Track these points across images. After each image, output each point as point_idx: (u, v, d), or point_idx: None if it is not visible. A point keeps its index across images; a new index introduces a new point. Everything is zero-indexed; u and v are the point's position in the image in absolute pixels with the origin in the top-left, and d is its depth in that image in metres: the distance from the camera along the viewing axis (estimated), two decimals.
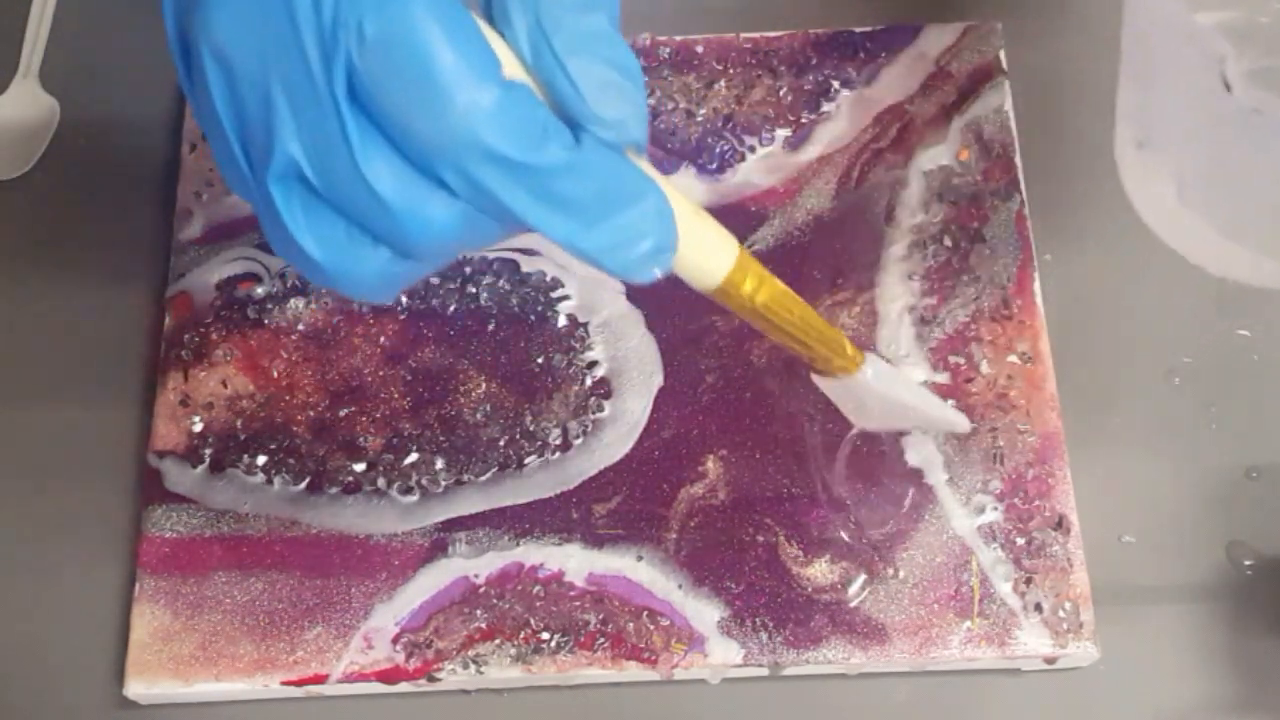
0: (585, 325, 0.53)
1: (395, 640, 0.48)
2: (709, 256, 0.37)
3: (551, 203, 0.31)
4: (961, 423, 0.49)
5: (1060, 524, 0.49)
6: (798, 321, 0.41)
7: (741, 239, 0.54)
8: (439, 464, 0.51)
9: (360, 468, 0.51)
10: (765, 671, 0.48)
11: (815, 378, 0.44)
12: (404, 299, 0.53)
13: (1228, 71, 0.36)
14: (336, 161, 0.31)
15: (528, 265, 0.54)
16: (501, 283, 0.54)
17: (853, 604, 0.48)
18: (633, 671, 0.48)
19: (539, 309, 0.53)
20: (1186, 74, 0.38)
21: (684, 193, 0.56)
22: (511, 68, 0.32)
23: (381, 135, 0.31)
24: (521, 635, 0.48)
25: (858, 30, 0.58)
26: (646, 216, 0.33)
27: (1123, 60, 0.44)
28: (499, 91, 0.30)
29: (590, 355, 0.53)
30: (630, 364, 0.53)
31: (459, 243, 0.33)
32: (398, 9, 0.30)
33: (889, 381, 0.45)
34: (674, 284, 0.53)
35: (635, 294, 0.54)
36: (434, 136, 0.30)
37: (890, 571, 0.49)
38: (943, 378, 0.52)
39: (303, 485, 0.51)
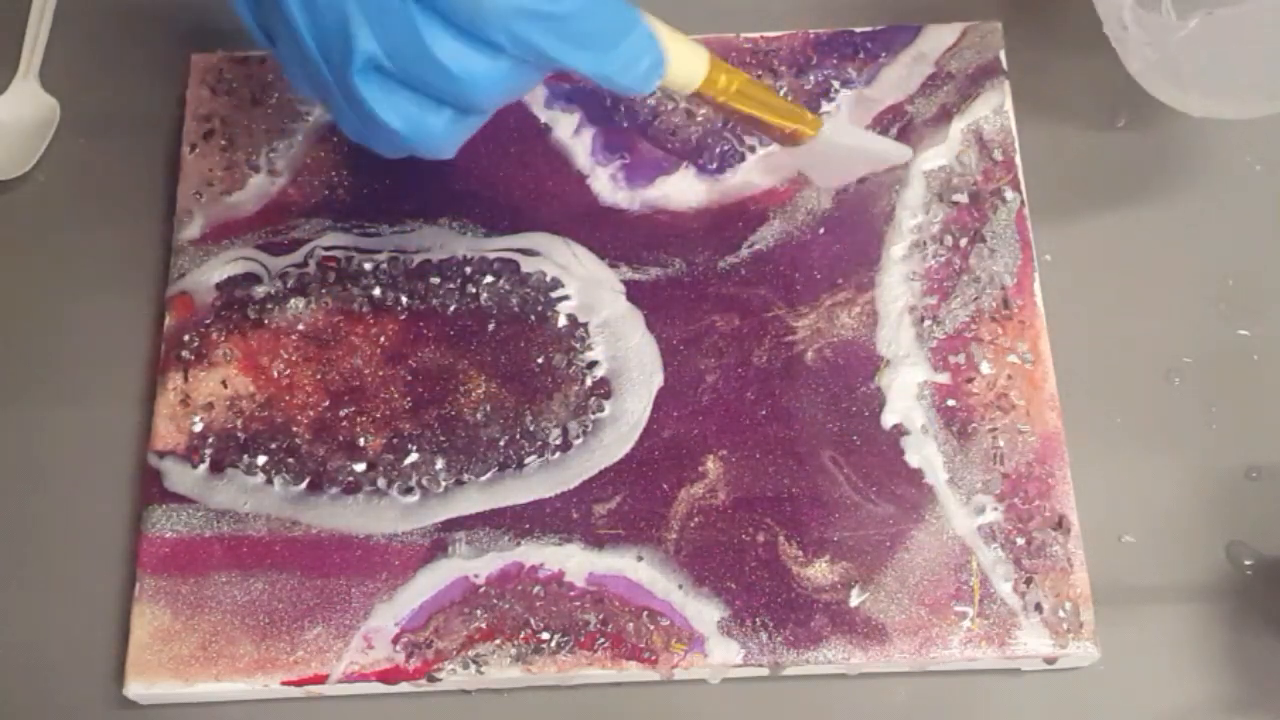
0: (585, 325, 0.53)
1: (395, 640, 0.48)
2: (690, 64, 0.46)
3: (573, 41, 0.41)
4: (904, 152, 0.55)
5: (1060, 524, 0.49)
6: (765, 101, 0.49)
7: (741, 239, 0.55)
8: (439, 464, 0.51)
9: (360, 468, 0.51)
10: (765, 671, 0.48)
11: (786, 152, 0.53)
12: (404, 299, 0.53)
13: (1125, 16, 0.51)
14: (409, 49, 0.40)
15: (528, 265, 0.54)
16: (501, 283, 0.54)
17: (853, 604, 0.48)
18: (633, 671, 0.48)
19: (539, 309, 0.53)
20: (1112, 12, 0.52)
21: (684, 192, 0.57)
22: None
23: (439, 19, 0.40)
24: (521, 635, 0.48)
25: (858, 30, 0.58)
26: (641, 40, 0.43)
27: None
28: None
29: (590, 355, 0.53)
30: (630, 364, 0.53)
31: (507, 91, 0.43)
32: None
33: (846, 132, 0.54)
34: (674, 285, 0.54)
35: (635, 294, 0.54)
36: (480, 9, 0.40)
37: (890, 572, 0.49)
38: (943, 378, 0.52)
39: (303, 485, 0.51)
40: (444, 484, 0.51)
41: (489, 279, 0.54)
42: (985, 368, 0.52)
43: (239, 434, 0.52)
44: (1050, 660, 0.48)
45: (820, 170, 0.54)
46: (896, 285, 0.54)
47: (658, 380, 0.52)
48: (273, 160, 0.56)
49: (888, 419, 0.51)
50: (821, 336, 0.53)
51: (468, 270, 0.54)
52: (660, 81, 0.45)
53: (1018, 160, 0.55)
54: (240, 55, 0.58)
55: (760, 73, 0.57)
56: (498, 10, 0.40)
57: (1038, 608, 0.48)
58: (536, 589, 0.49)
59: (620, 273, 0.54)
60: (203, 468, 0.51)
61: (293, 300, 0.54)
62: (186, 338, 0.53)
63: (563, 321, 0.53)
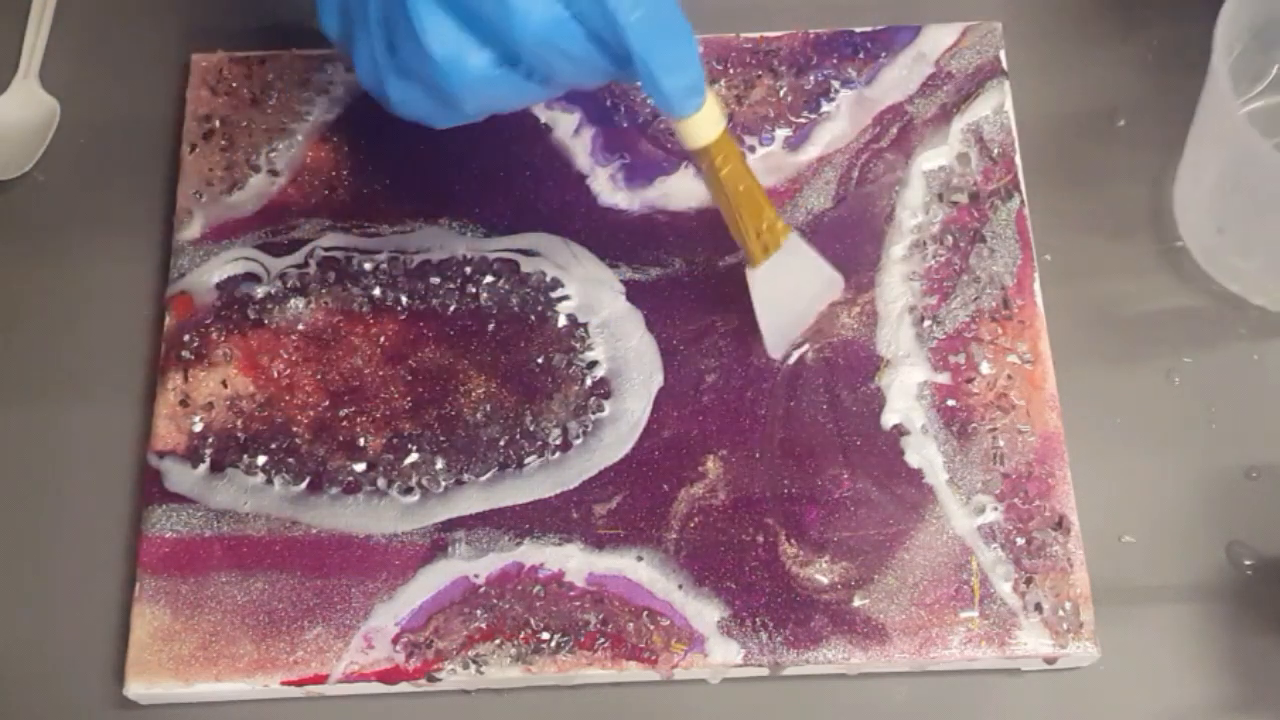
0: (585, 325, 0.53)
1: (395, 640, 0.48)
2: (714, 115, 0.46)
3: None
4: (839, 282, 0.52)
5: (1060, 524, 0.49)
6: (751, 189, 0.48)
7: None
8: (439, 464, 0.51)
9: (360, 468, 0.51)
10: (765, 671, 0.48)
11: (750, 276, 0.50)
12: (404, 299, 0.53)
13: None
14: None
15: (528, 265, 0.54)
16: (501, 283, 0.54)
17: (853, 605, 0.48)
18: (633, 671, 0.48)
19: (539, 309, 0.53)
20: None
21: (684, 192, 0.57)
22: None
23: None
24: (521, 635, 0.48)
25: (858, 30, 0.58)
26: (694, 52, 0.43)
27: (1193, 128, 0.53)
28: None
29: (590, 355, 0.53)
30: (630, 364, 0.53)
31: (552, 52, 0.41)
32: None
33: (802, 250, 0.50)
34: (674, 285, 0.54)
35: (635, 294, 0.54)
36: None
37: (890, 572, 0.49)
38: (943, 378, 0.52)
39: (303, 485, 0.51)
40: (444, 484, 0.51)
41: (489, 279, 0.54)
42: (985, 368, 0.52)
43: (239, 434, 0.52)
44: (1050, 660, 0.48)
45: (771, 320, 0.51)
46: (896, 285, 0.54)
47: (658, 380, 0.52)
48: (273, 160, 0.56)
49: (888, 419, 0.51)
50: (822, 336, 0.53)
51: (468, 270, 0.54)
52: (695, 111, 0.45)
53: (1018, 160, 0.55)
54: (240, 55, 0.58)
55: (760, 72, 0.57)
56: None
57: (1038, 608, 0.48)
58: (536, 589, 0.49)
59: (620, 273, 0.54)
60: (203, 468, 0.51)
61: (293, 300, 0.54)
62: (186, 338, 0.53)
63: (563, 321, 0.53)
